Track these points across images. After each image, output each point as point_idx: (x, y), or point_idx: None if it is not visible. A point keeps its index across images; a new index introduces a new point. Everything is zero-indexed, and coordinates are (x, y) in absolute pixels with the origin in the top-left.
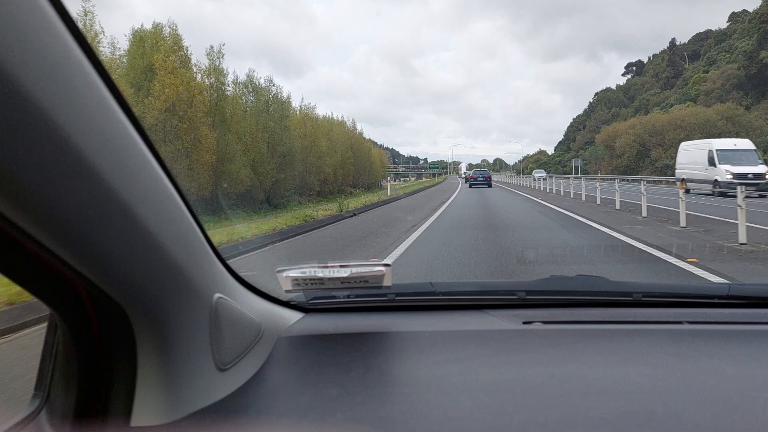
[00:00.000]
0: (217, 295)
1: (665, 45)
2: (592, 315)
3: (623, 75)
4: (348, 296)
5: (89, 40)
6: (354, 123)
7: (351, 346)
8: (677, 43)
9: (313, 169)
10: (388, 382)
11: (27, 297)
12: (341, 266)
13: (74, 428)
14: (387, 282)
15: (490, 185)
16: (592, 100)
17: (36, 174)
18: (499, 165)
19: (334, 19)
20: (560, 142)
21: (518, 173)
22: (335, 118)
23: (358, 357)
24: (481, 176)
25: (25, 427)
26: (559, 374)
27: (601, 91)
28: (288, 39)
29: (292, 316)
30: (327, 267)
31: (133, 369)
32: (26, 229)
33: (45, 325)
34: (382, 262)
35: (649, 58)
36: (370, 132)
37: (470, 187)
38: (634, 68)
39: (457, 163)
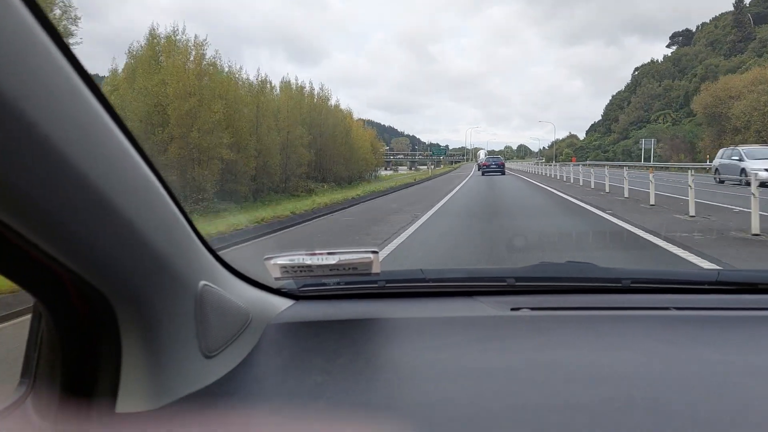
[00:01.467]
0: (203, 282)
1: (686, 25)
2: (581, 301)
3: (668, 46)
4: (338, 283)
5: (55, 24)
6: (326, 91)
7: (339, 333)
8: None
9: (198, 153)
10: (374, 368)
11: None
12: (329, 253)
13: (60, 414)
14: (375, 269)
15: (503, 173)
16: (634, 74)
17: (4, 166)
18: (523, 151)
19: (349, 4)
20: (595, 124)
21: (550, 160)
22: (295, 82)
23: (346, 344)
24: (494, 163)
25: (12, 413)
26: (543, 360)
27: (644, 64)
28: (302, 26)
29: (282, 304)
30: (315, 254)
31: (117, 356)
32: (1, 220)
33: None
34: (370, 249)
35: (698, 27)
36: (389, 119)
37: (483, 174)
38: (681, 38)
39: (477, 150)
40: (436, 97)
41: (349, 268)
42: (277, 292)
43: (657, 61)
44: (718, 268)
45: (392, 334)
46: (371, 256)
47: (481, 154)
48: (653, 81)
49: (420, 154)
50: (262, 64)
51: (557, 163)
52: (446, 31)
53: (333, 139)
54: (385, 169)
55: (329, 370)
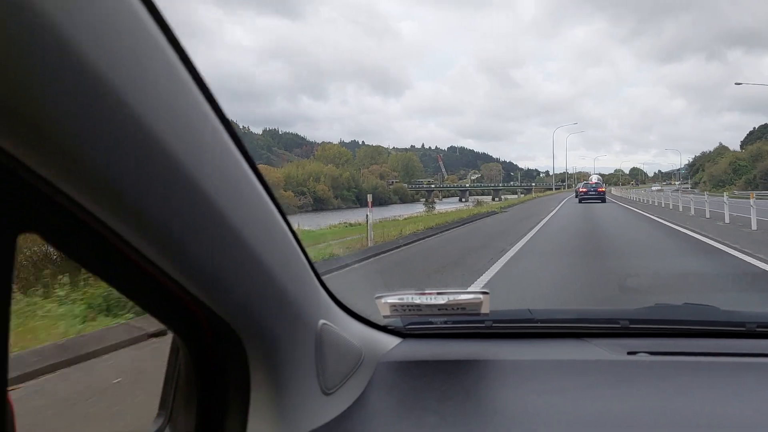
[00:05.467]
0: (322, 321)
1: None
2: (701, 346)
3: None
4: (445, 322)
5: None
6: None
7: (449, 373)
8: None
9: None
10: (487, 411)
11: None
12: (439, 293)
13: None
14: (485, 309)
15: (603, 200)
16: None
17: (151, 199)
18: (642, 176)
19: (421, 33)
20: (756, 130)
21: (719, 185)
22: None
23: (456, 384)
24: (593, 190)
25: None
26: (667, 409)
27: None
28: (379, 58)
29: (390, 341)
30: (425, 294)
31: (246, 391)
32: (151, 258)
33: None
34: (481, 290)
35: None
36: (482, 146)
37: (580, 202)
38: None
39: (585, 176)
40: (527, 123)
41: (458, 308)
42: (383, 329)
43: None
44: None
45: (502, 376)
46: (481, 296)
47: (594, 179)
48: None
49: (505, 184)
50: (349, 98)
51: None
52: (528, 55)
53: None
54: (462, 199)
55: (441, 412)
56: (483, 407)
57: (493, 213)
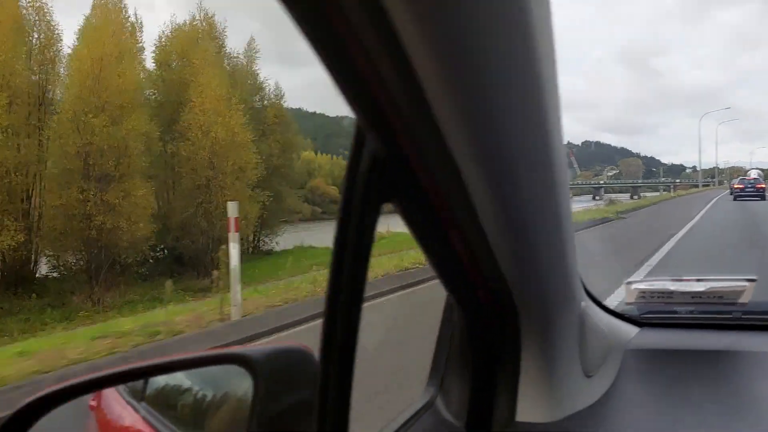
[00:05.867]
0: (583, 303)
1: None
2: None
3: None
4: (692, 312)
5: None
6: None
7: (705, 364)
8: None
9: None
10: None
11: None
12: (698, 280)
13: (469, 417)
14: (745, 298)
15: (763, 197)
16: None
17: (521, 189)
18: None
19: (556, 26)
20: None
21: None
22: None
23: (724, 375)
24: (750, 186)
25: (425, 414)
26: None
27: None
28: None
29: (630, 330)
30: (681, 280)
31: (516, 365)
32: (490, 237)
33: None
34: (747, 277)
35: None
36: (621, 141)
37: (735, 199)
38: None
39: (738, 170)
40: (670, 115)
41: (714, 297)
42: (620, 317)
43: None
44: None
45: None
46: (747, 284)
47: (753, 174)
48: None
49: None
50: None
51: None
52: (671, 42)
53: None
54: (595, 197)
55: (718, 401)
56: (761, 398)
57: (607, 220)
